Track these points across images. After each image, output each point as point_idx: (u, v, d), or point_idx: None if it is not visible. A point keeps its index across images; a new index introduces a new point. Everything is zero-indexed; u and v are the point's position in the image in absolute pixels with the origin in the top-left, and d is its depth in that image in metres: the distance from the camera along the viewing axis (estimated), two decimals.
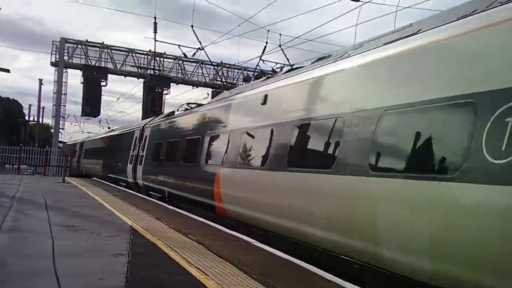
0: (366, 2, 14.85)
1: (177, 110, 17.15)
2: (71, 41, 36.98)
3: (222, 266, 5.62)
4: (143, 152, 18.04)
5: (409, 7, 14.91)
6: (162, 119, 17.51)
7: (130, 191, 18.22)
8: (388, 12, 15.13)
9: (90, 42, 37.56)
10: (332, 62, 7.07)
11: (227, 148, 9.83)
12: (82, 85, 36.59)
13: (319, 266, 5.79)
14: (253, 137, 8.86)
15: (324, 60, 7.76)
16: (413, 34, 5.55)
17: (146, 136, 18.31)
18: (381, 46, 6.02)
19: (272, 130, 7.96)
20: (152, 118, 20.33)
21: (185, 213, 11.04)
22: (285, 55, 21.27)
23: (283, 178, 7.22)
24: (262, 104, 8.59)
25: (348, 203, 5.54)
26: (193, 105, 15.97)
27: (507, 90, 3.83)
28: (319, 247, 6.24)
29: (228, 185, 9.47)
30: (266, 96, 8.60)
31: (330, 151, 6.24)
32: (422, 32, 5.41)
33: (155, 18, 28.93)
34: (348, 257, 5.68)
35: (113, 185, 21.30)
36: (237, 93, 10.98)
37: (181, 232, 7.96)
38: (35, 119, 55.49)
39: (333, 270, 5.64)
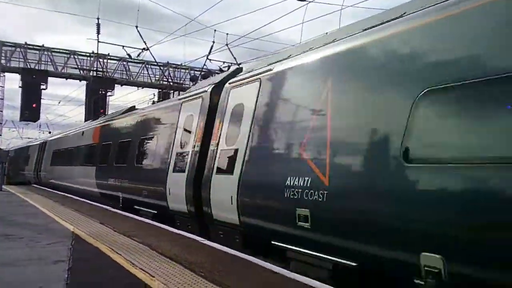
0: (311, 1, 15.09)
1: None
2: (8, 44, 35.24)
3: (168, 266, 5.49)
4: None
5: (352, 5, 15.33)
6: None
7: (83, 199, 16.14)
8: (333, 11, 15.51)
9: (30, 44, 35.91)
10: None
11: None
12: (20, 89, 34.87)
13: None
14: None
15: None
16: None
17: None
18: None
19: None
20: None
21: (132, 216, 10.74)
22: (232, 54, 21.29)
23: None
24: None
25: None
26: None
27: None
28: None
29: None
30: None
31: None
32: None
33: (98, 19, 28.14)
34: None
35: (58, 192, 17.42)
36: None
37: (126, 235, 7.72)
38: None
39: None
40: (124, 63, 38.01)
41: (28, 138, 57.76)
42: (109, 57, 37.86)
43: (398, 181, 4.53)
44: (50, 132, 48.12)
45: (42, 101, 36.24)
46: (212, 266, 5.46)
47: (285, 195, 6.08)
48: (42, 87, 35.47)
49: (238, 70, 9.75)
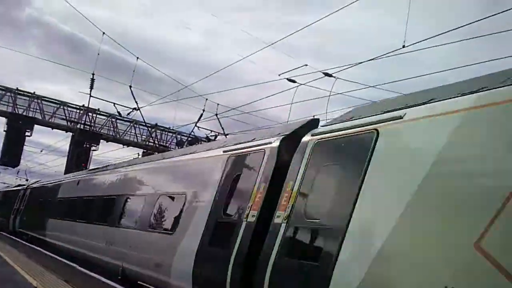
0: (301, 84, 15.97)
1: None
2: None
3: None
4: None
5: (341, 93, 16.34)
6: None
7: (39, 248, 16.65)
8: (322, 96, 16.48)
9: (21, 91, 36.28)
10: None
11: None
12: (4, 133, 34.78)
13: None
14: None
15: None
16: None
17: None
18: None
19: None
20: None
21: (96, 275, 10.55)
22: (220, 124, 21.70)
23: None
24: None
25: None
26: None
27: None
28: None
29: None
30: None
31: None
32: None
33: (93, 74, 28.75)
34: None
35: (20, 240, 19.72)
36: None
37: None
38: None
39: None
40: (113, 119, 38.44)
41: (3, 183, 56.45)
42: (99, 112, 38.32)
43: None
44: (27, 180, 47.12)
45: (24, 147, 36.14)
46: None
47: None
48: (27, 133, 35.42)
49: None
